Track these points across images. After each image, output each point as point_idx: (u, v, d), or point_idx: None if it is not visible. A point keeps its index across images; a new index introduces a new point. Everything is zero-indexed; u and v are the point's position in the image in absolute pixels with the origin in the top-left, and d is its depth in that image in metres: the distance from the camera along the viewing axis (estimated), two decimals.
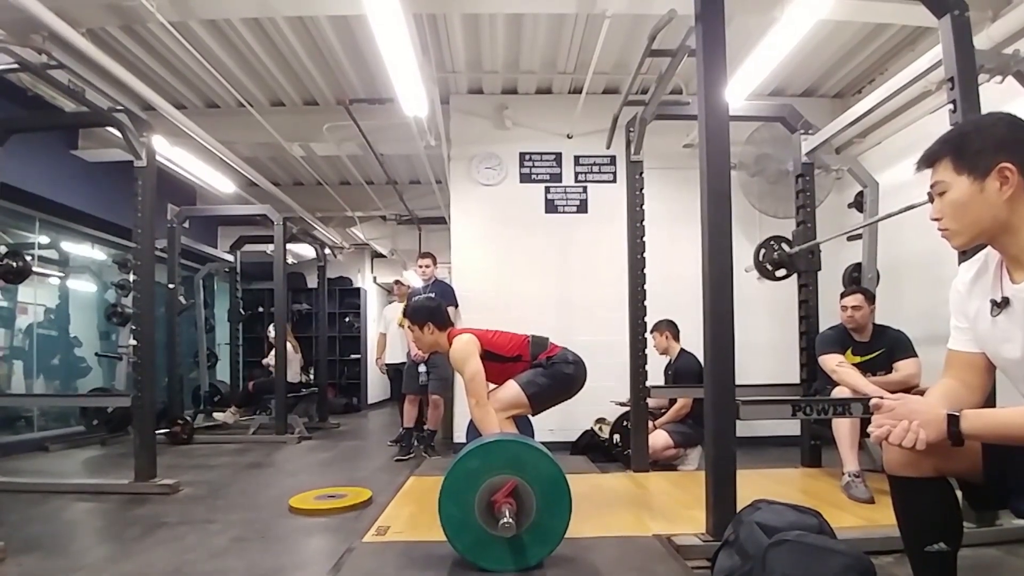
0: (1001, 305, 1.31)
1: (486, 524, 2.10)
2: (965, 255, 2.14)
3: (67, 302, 6.25)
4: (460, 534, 2.13)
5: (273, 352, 6.13)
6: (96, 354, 6.37)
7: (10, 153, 3.78)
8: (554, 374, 2.87)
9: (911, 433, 1.22)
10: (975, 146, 1.28)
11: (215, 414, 6.61)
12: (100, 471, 4.39)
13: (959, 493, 1.44)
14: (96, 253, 6.59)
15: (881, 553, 2.09)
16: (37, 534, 2.73)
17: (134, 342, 3.85)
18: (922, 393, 1.45)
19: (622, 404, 4.44)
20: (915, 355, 3.26)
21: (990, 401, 1.47)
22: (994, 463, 1.31)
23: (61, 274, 6.17)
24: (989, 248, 1.37)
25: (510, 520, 2.02)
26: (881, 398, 1.32)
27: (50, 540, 2.64)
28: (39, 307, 5.89)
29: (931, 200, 1.41)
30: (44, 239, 5.81)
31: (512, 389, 2.83)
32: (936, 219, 1.38)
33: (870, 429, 1.30)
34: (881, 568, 1.83)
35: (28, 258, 3.85)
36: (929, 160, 1.37)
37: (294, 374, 6.44)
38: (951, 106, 2.40)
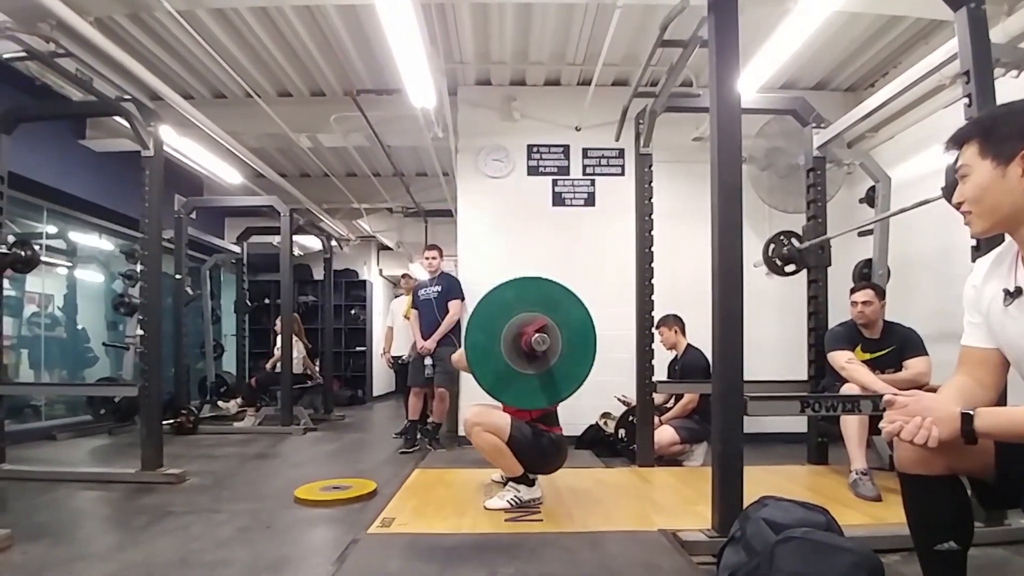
0: (1014, 295, 1.29)
1: (509, 357, 2.09)
2: (979, 250, 2.13)
3: (75, 292, 6.28)
4: (483, 363, 2.12)
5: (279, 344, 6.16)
6: (103, 344, 6.41)
7: (18, 142, 3.79)
8: (538, 440, 2.77)
9: (924, 430, 1.20)
10: (1004, 131, 1.25)
11: (219, 403, 6.65)
12: (107, 460, 4.41)
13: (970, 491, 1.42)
14: (103, 243, 6.61)
15: (889, 551, 2.07)
16: (44, 522, 2.74)
17: (141, 332, 3.85)
18: (933, 391, 1.43)
19: (625, 402, 4.43)
20: (925, 353, 3.23)
21: (1002, 400, 1.45)
22: (1007, 462, 1.29)
23: (69, 264, 6.19)
24: (1010, 240, 1.35)
25: (543, 336, 1.99)
26: (894, 395, 1.30)
27: (57, 528, 2.66)
28: (47, 296, 5.92)
29: (945, 196, 1.39)
30: (52, 229, 5.83)
31: (504, 418, 2.76)
32: (958, 203, 1.35)
33: (882, 425, 1.28)
34: (889, 566, 1.81)
35: (36, 248, 3.84)
36: (958, 141, 1.34)
37: (296, 365, 6.46)
38: (966, 100, 2.36)
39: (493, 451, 2.77)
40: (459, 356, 2.87)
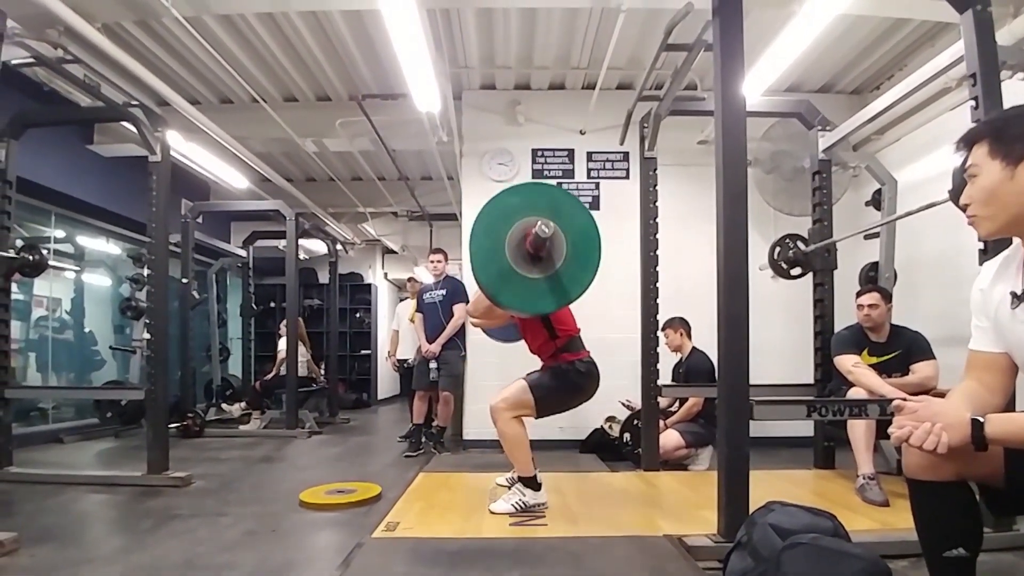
0: (1021, 297, 1.28)
1: (514, 261, 2.10)
2: (987, 254, 2.11)
3: (82, 296, 6.31)
4: (485, 264, 2.13)
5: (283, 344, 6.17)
6: (110, 347, 6.43)
7: (26, 147, 3.82)
8: (564, 380, 2.84)
9: (933, 436, 1.19)
10: (1014, 132, 1.24)
11: (223, 405, 6.67)
12: (113, 463, 4.43)
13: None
14: (111, 247, 6.65)
15: (897, 557, 2.05)
16: (50, 525, 2.75)
17: (148, 336, 3.87)
18: (940, 395, 1.42)
19: (629, 407, 4.42)
20: (932, 357, 3.21)
21: (1011, 405, 1.43)
22: (1017, 468, 1.27)
23: (76, 268, 6.23)
24: (1017, 243, 1.34)
25: (548, 221, 2.00)
26: (903, 399, 1.29)
27: (63, 531, 2.67)
28: (55, 300, 5.95)
29: (952, 199, 1.38)
30: (60, 233, 5.87)
31: (519, 386, 2.81)
32: (965, 205, 1.34)
33: (891, 430, 1.27)
34: (897, 572, 1.80)
35: (44, 252, 3.87)
36: (968, 141, 1.33)
37: (301, 368, 6.47)
38: (972, 103, 2.35)
39: (513, 441, 2.79)
40: (476, 297, 2.84)
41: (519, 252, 2.13)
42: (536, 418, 2.84)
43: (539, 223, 2.03)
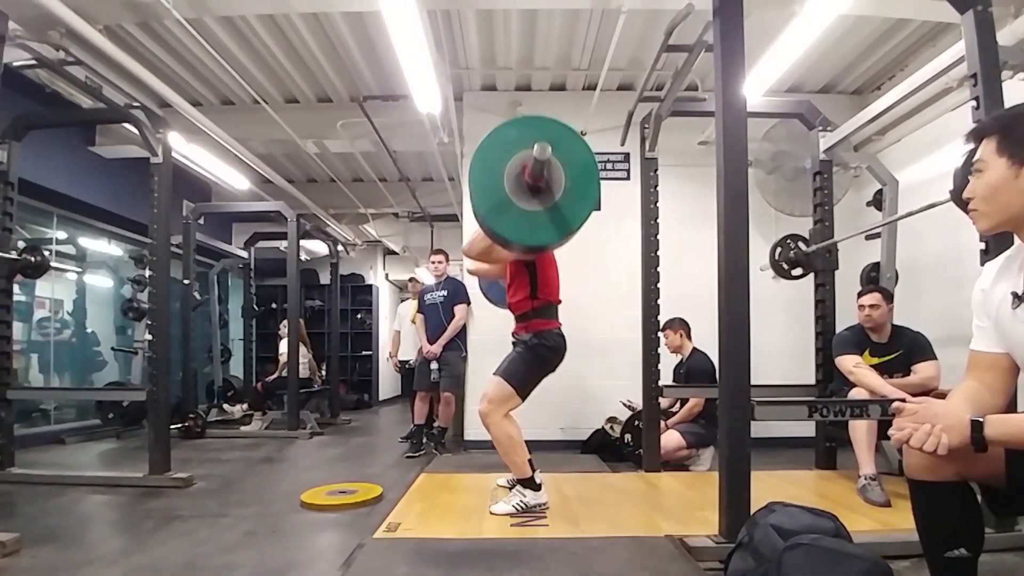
0: (1022, 297, 1.28)
1: (512, 193, 2.10)
2: (988, 253, 2.11)
3: (84, 297, 6.32)
4: (482, 193, 2.13)
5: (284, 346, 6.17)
6: (112, 348, 6.44)
7: (28, 149, 3.83)
8: (534, 356, 2.86)
9: (933, 437, 1.19)
10: (1023, 131, 1.25)
11: (225, 406, 6.67)
12: (115, 464, 4.44)
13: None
14: (112, 249, 6.66)
15: (899, 558, 2.05)
16: (52, 526, 2.76)
17: (149, 337, 3.88)
18: (942, 396, 1.42)
19: (630, 407, 4.41)
20: (934, 357, 3.20)
21: (1012, 405, 1.43)
22: (1018, 468, 1.27)
23: (78, 269, 6.24)
24: (1019, 243, 1.34)
25: (545, 144, 2.00)
26: (903, 400, 1.29)
27: (65, 532, 2.67)
28: (57, 301, 5.96)
29: (953, 199, 1.38)
30: (62, 235, 5.88)
31: (494, 383, 2.84)
32: (967, 199, 1.35)
33: (891, 432, 1.27)
34: (898, 573, 1.80)
35: (46, 253, 3.88)
36: (978, 135, 1.33)
37: (302, 369, 6.47)
38: (974, 103, 2.35)
39: (508, 444, 2.80)
40: (474, 236, 2.84)
41: (518, 184, 2.12)
42: (522, 401, 2.86)
43: (535, 145, 2.01)
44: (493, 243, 2.58)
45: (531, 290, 2.90)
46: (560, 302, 3.00)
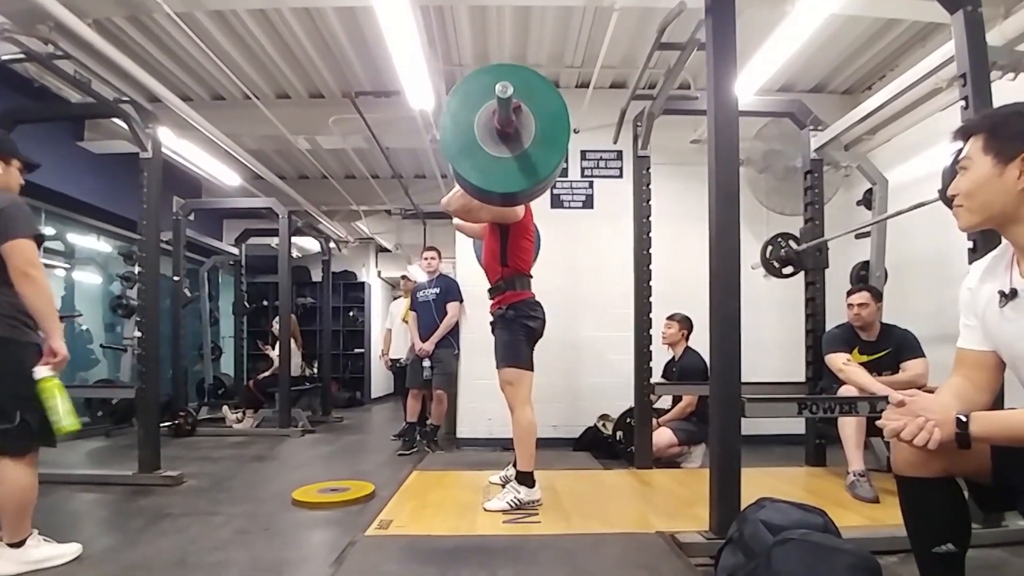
0: (1009, 296, 1.30)
1: (482, 139, 2.15)
2: (976, 252, 2.13)
3: (72, 293, 6.26)
4: (455, 139, 2.20)
5: (275, 343, 6.12)
6: (101, 345, 6.39)
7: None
8: (518, 328, 2.93)
9: (925, 432, 1.21)
10: (1011, 130, 1.26)
11: (224, 408, 6.58)
12: (104, 462, 4.41)
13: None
14: (102, 245, 6.60)
15: (887, 553, 2.08)
16: (41, 524, 2.72)
17: (139, 334, 3.84)
18: (931, 392, 1.43)
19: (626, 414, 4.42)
20: (922, 355, 3.24)
21: (998, 402, 1.45)
22: (1004, 464, 1.29)
23: (67, 265, 6.18)
24: (1006, 242, 1.36)
25: (508, 85, 2.02)
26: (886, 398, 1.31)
27: (54, 530, 2.64)
28: None
29: (942, 198, 1.39)
30: (50, 230, 5.82)
31: (503, 373, 2.91)
32: (952, 195, 1.36)
33: (881, 422, 1.29)
34: (886, 568, 1.81)
35: None
36: (965, 133, 1.35)
37: (294, 367, 6.44)
38: (963, 103, 2.37)
39: (529, 430, 2.89)
40: (456, 190, 2.85)
41: (487, 131, 2.15)
42: (532, 371, 2.95)
43: (497, 84, 2.02)
44: (470, 198, 2.61)
45: (501, 256, 2.96)
46: (532, 276, 3.07)
